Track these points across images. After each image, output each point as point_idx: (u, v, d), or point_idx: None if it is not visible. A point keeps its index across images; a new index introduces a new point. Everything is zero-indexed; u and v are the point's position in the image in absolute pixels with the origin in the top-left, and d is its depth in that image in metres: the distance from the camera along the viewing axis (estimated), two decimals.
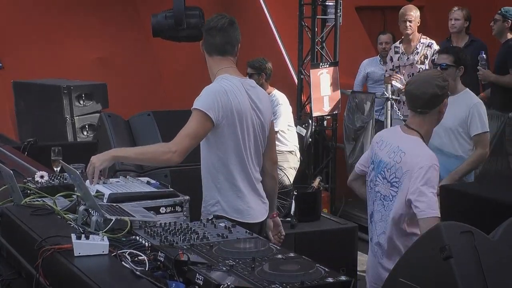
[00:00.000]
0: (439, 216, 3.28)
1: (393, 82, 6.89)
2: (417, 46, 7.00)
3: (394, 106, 6.89)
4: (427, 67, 6.91)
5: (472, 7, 7.20)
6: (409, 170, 3.32)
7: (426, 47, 6.97)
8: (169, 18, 7.96)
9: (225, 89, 3.47)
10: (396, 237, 3.42)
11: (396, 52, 7.20)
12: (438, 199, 3.42)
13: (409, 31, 6.97)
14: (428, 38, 7.04)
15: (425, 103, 3.44)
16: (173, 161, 3.42)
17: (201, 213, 3.57)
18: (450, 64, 4.79)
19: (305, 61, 8.08)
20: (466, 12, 6.93)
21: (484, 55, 6.54)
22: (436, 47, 6.94)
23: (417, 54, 6.98)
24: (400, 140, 3.47)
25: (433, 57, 6.89)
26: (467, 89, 4.93)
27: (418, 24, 7.03)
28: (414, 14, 6.97)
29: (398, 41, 7.25)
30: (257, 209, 3.61)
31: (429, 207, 3.24)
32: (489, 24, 6.72)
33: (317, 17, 7.93)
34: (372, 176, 3.56)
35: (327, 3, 7.90)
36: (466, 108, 4.74)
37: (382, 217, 3.46)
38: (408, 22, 6.95)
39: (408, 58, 7.03)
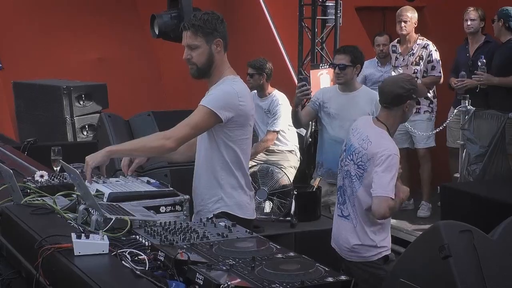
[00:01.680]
0: (392, 197, 3.73)
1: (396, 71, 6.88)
2: (413, 48, 6.99)
3: None
4: (422, 68, 6.90)
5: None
6: (373, 157, 3.83)
7: (422, 48, 6.97)
8: (175, 18, 7.95)
9: (243, 91, 3.51)
10: (364, 210, 3.93)
11: (394, 52, 7.20)
12: (399, 183, 3.87)
13: (403, 32, 6.98)
14: (425, 39, 7.03)
15: (390, 100, 3.94)
16: (167, 148, 3.42)
17: (197, 213, 3.54)
18: (347, 64, 5.17)
19: (305, 62, 8.08)
20: (482, 12, 6.85)
21: (484, 60, 6.53)
22: (432, 48, 6.93)
23: (412, 55, 6.99)
24: (370, 130, 3.99)
25: (428, 58, 6.90)
26: (363, 85, 5.56)
27: (415, 25, 7.02)
28: (410, 15, 6.96)
29: (396, 40, 7.24)
30: (253, 205, 3.67)
31: (381, 188, 3.73)
32: (491, 24, 6.73)
33: (317, 17, 7.92)
34: (343, 156, 4.09)
35: (327, 4, 7.89)
36: (370, 101, 5.15)
37: (353, 192, 3.96)
38: (403, 23, 6.95)
39: (403, 59, 7.04)
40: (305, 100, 5.26)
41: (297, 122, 5.35)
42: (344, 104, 5.28)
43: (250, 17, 9.36)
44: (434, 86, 7.10)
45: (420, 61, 6.92)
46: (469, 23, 6.83)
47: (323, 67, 7.45)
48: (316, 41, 7.91)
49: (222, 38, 3.52)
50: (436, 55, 6.96)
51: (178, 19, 7.96)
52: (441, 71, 6.97)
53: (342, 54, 5.25)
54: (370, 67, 7.81)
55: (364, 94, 5.31)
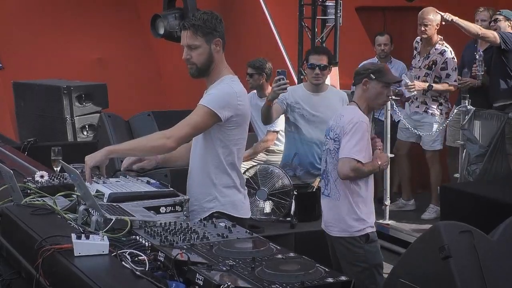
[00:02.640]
0: (356, 159, 4.06)
1: (403, 75, 6.79)
2: (431, 51, 6.88)
3: (394, 106, 6.88)
4: (433, 73, 6.80)
5: (472, 8, 7.18)
6: (344, 126, 4.14)
7: (438, 53, 6.82)
8: (179, 18, 7.94)
9: (242, 91, 3.53)
10: (346, 182, 4.19)
11: (415, 48, 7.09)
12: (378, 151, 4.21)
13: (424, 36, 6.83)
14: (444, 44, 6.85)
15: (353, 78, 4.34)
16: (167, 147, 3.43)
17: (190, 213, 3.45)
18: (327, 64, 5.33)
19: (304, 62, 8.08)
20: (493, 13, 6.78)
21: (482, 53, 6.50)
22: (449, 55, 6.76)
23: (427, 58, 6.88)
24: (344, 109, 4.56)
25: (443, 65, 6.79)
26: (329, 84, 5.73)
27: (437, 27, 6.78)
28: (432, 17, 6.73)
29: (420, 37, 7.04)
30: (248, 204, 3.68)
31: (345, 150, 4.09)
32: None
33: (317, 17, 7.92)
34: (324, 140, 4.37)
35: (327, 4, 7.89)
36: (341, 101, 5.34)
37: (333, 167, 4.21)
38: (423, 26, 6.76)
39: (419, 59, 6.95)
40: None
41: (268, 118, 5.25)
42: (318, 106, 5.34)
43: (250, 17, 9.35)
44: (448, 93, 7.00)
45: (433, 66, 6.79)
46: (479, 23, 6.76)
47: None
48: (316, 41, 7.91)
49: (221, 37, 3.53)
50: (452, 64, 6.80)
51: (181, 19, 7.96)
52: (457, 79, 6.79)
53: (322, 55, 5.35)
54: None
55: (334, 94, 5.47)
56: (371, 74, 4.22)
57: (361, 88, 4.27)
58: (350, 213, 4.19)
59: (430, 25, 6.76)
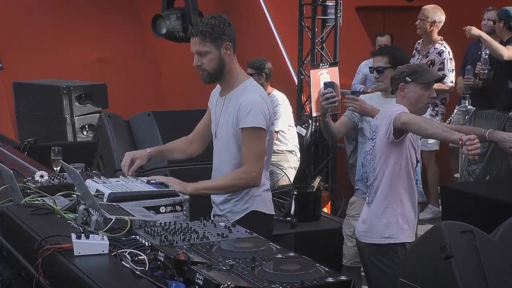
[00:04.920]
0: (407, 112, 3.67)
1: (466, 69, 6.72)
2: (430, 50, 6.87)
3: None
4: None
5: (473, 8, 7.18)
6: (382, 118, 3.81)
7: (436, 53, 6.80)
8: (180, 18, 7.93)
9: (267, 96, 3.60)
10: (383, 186, 3.82)
11: (415, 48, 7.10)
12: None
13: (417, 31, 6.84)
14: (443, 44, 6.81)
15: (391, 85, 4.01)
16: (252, 185, 3.50)
17: (220, 217, 3.55)
18: (385, 66, 4.57)
19: (305, 62, 8.08)
20: None
21: (487, 56, 6.48)
22: (447, 56, 6.73)
23: (426, 58, 6.87)
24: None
25: (440, 65, 6.78)
26: None
27: (434, 25, 6.74)
28: (428, 14, 6.72)
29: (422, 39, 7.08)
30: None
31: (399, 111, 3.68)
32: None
33: (317, 17, 7.92)
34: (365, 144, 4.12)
35: (327, 4, 7.89)
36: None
37: (373, 167, 3.86)
38: (418, 21, 6.79)
39: (418, 58, 6.94)
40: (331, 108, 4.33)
41: (328, 134, 4.52)
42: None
43: (250, 17, 9.36)
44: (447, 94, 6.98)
45: (431, 66, 6.78)
46: (485, 22, 6.74)
47: (323, 67, 7.44)
48: (316, 40, 7.91)
49: (231, 41, 3.51)
50: (449, 65, 6.76)
51: (183, 19, 7.95)
52: (454, 81, 6.76)
53: (379, 56, 4.66)
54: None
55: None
56: (407, 77, 3.88)
57: (399, 95, 3.92)
58: (383, 218, 3.84)
59: (424, 20, 6.76)
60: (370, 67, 4.85)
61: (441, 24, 6.79)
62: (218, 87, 3.72)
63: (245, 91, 3.52)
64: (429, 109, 6.73)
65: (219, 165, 3.63)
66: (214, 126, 3.66)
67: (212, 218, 3.32)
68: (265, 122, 3.45)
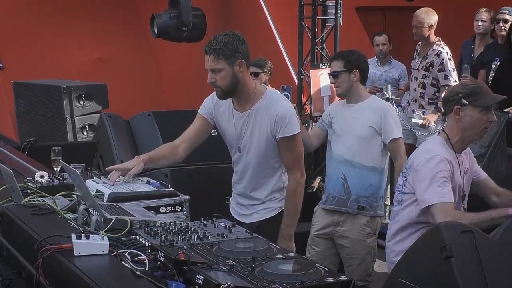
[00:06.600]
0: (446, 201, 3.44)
1: (413, 119, 6.80)
2: (429, 52, 6.84)
3: (394, 106, 6.87)
4: (430, 75, 6.77)
5: (472, 8, 7.18)
6: (412, 165, 3.58)
7: (435, 55, 6.78)
8: (174, 18, 7.94)
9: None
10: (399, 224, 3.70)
11: (416, 51, 7.08)
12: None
13: (415, 38, 6.82)
14: (441, 46, 6.71)
15: (443, 106, 3.72)
16: (303, 184, 3.71)
17: (258, 213, 3.71)
18: (340, 70, 4.46)
19: (305, 62, 8.08)
20: (494, 15, 6.73)
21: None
22: (445, 56, 6.63)
23: (425, 59, 6.84)
24: (423, 143, 3.88)
25: (440, 66, 6.75)
26: (373, 95, 4.78)
27: (430, 28, 6.60)
28: (423, 21, 6.58)
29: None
30: None
31: (427, 195, 3.45)
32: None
33: (317, 17, 7.92)
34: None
35: (327, 4, 7.89)
36: (375, 111, 4.44)
37: (400, 206, 3.71)
38: (415, 28, 6.76)
39: (418, 60, 6.92)
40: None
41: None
42: (347, 118, 4.48)
43: (250, 17, 9.35)
44: None
45: (431, 67, 6.73)
46: (479, 23, 6.73)
47: (323, 67, 7.45)
48: (316, 40, 7.91)
49: (244, 58, 3.54)
50: (449, 65, 6.66)
51: (177, 19, 7.95)
52: (457, 80, 6.66)
53: (334, 61, 4.55)
54: (370, 66, 7.75)
55: (369, 105, 4.49)
56: (463, 99, 3.48)
57: (453, 118, 3.53)
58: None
59: (421, 27, 6.70)
60: (329, 73, 4.74)
61: (436, 24, 6.78)
62: (213, 96, 3.73)
63: (272, 101, 3.62)
64: (430, 110, 6.79)
65: (253, 177, 3.73)
66: (235, 140, 3.71)
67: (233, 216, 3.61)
68: (298, 127, 3.66)
